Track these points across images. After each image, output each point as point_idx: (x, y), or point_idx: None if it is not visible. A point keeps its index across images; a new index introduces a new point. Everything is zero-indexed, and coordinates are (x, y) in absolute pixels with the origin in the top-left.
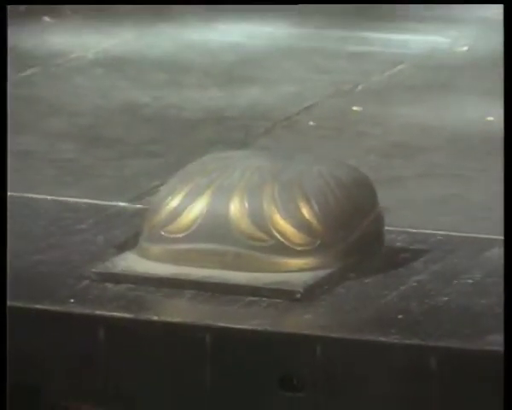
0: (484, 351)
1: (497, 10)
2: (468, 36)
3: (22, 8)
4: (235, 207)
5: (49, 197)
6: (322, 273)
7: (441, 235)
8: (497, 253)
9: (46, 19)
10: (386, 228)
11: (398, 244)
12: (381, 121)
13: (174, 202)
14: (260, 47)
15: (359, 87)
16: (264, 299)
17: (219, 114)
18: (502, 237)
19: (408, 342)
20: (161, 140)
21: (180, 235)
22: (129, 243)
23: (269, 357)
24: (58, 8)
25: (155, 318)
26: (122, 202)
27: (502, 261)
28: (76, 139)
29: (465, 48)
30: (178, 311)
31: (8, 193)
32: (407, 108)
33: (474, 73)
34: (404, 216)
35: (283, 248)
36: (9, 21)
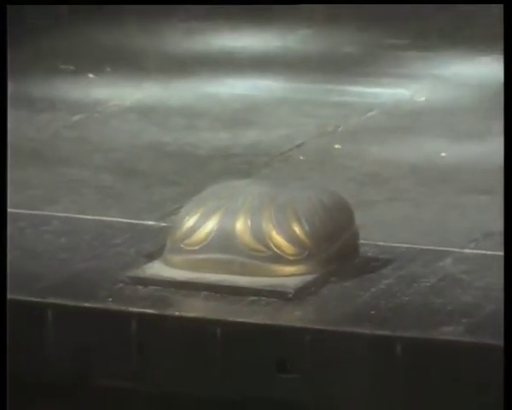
0: (438, 340)
1: (451, 68)
2: (425, 89)
3: (72, 67)
4: (240, 225)
5: (92, 217)
6: (309, 278)
7: (404, 247)
8: (449, 261)
9: (90, 75)
10: (361, 242)
11: (370, 255)
12: (357, 156)
13: (191, 221)
14: (260, 97)
15: (340, 129)
16: (263, 298)
17: (227, 151)
18: (452, 249)
19: (379, 332)
20: (181, 172)
21: (196, 247)
22: (155, 254)
23: (267, 344)
24: (100, 67)
25: (176, 313)
26: (150, 221)
27: (453, 268)
28: (114, 171)
29: (423, 98)
30: (194, 308)
31: (60, 214)
32: (378, 146)
33: (429, 119)
34: (375, 232)
35: (278, 258)
36: (61, 78)
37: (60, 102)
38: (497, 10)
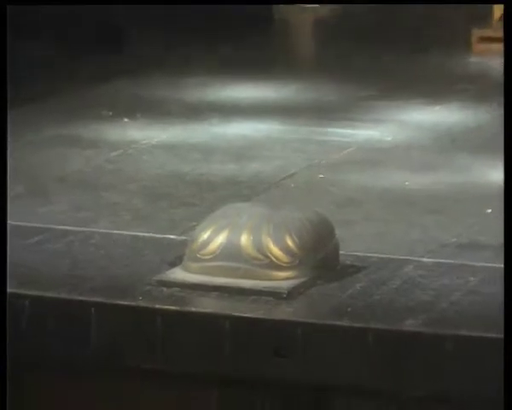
0: (402, 331)
1: (411, 115)
2: (391, 131)
3: (111, 113)
4: (244, 239)
5: (126, 233)
6: (299, 281)
7: (375, 257)
8: (411, 268)
9: (125, 120)
10: (341, 252)
11: (348, 263)
12: (337, 184)
13: (205, 236)
14: (260, 137)
15: (323, 162)
16: (262, 298)
17: (234, 179)
18: (413, 258)
19: (355, 325)
20: (197, 196)
21: (209, 256)
22: (176, 262)
23: (266, 335)
24: (132, 113)
25: (193, 309)
26: (172, 235)
27: (414, 273)
28: (143, 195)
29: (389, 138)
30: (208, 305)
31: (101, 230)
32: (354, 175)
33: (395, 154)
34: (352, 245)
35: (275, 265)
36: (103, 122)
37: (101, 141)
38: (447, 68)
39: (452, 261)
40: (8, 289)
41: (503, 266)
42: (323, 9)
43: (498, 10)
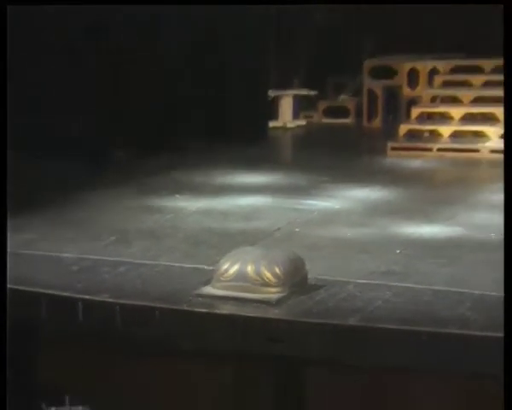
0: (347, 324)
1: (351, 192)
2: (339, 202)
3: (165, 192)
4: (250, 268)
5: (177, 264)
6: (283, 294)
7: (330, 279)
8: (352, 286)
9: (177, 196)
10: (309, 277)
11: (313, 283)
12: (307, 235)
13: (225, 266)
14: (260, 205)
15: (298, 221)
16: (259, 305)
17: (242, 231)
18: (353, 280)
19: (318, 321)
20: (220, 242)
21: (228, 279)
22: (207, 282)
23: (263, 327)
24: (181, 191)
25: (217, 311)
26: (205, 266)
27: (353, 290)
28: (188, 242)
29: (337, 206)
30: (226, 309)
31: (162, 262)
32: (316, 229)
33: (341, 217)
34: (315, 272)
35: (267, 284)
36: (163, 199)
37: (162, 208)
38: (372, 166)
39: (376, 282)
40: (104, 300)
41: (406, 284)
42: (299, 129)
43: (404, 129)
